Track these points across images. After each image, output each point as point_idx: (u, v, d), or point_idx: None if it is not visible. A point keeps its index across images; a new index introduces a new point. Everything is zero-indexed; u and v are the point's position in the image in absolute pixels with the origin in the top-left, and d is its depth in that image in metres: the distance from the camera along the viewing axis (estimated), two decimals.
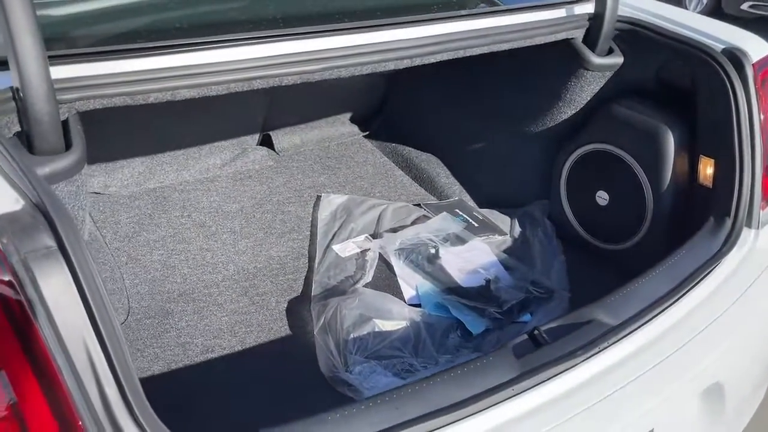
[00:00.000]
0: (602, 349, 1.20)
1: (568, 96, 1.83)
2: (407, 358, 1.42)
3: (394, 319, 1.50)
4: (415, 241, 1.82)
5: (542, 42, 1.64)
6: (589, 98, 1.83)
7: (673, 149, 1.67)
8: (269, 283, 1.74)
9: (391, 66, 1.46)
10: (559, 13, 1.73)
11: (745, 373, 1.44)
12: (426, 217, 2.03)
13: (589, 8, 1.75)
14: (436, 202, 2.15)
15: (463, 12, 1.55)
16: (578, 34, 1.74)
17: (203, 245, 1.82)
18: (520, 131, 2.00)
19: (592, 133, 1.85)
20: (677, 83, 1.69)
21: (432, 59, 1.52)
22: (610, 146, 1.81)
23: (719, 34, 1.65)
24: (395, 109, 2.47)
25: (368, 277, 1.70)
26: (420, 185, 2.25)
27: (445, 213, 2.00)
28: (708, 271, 1.43)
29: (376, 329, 1.46)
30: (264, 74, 1.31)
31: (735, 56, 1.57)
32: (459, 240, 1.89)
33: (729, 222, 1.54)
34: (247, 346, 1.53)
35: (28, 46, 0.98)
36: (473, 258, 1.82)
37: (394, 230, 1.93)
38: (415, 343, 1.47)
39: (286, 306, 1.66)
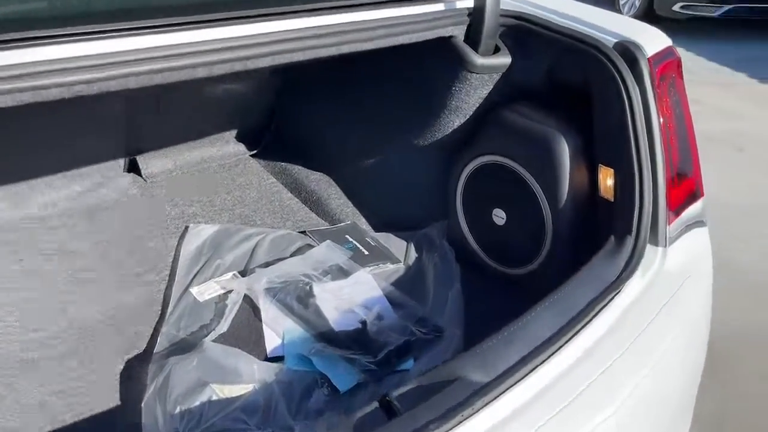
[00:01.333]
0: (466, 418, 0.96)
1: (454, 103, 1.61)
2: (252, 430, 1.16)
3: (241, 381, 1.24)
4: (288, 278, 1.57)
5: (410, 41, 1.41)
6: (477, 105, 1.61)
7: (569, 159, 1.46)
8: (110, 339, 1.46)
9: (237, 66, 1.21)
10: (436, 7, 1.51)
11: (653, 422, 1.23)
12: (310, 247, 1.78)
13: (468, 2, 1.53)
14: (324, 227, 1.90)
15: (311, 6, 1.31)
16: (458, 32, 1.52)
17: (30, 296, 1.53)
18: (413, 144, 1.77)
19: (483, 143, 1.63)
20: (570, 84, 1.48)
21: (281, 60, 1.28)
22: (502, 158, 1.59)
23: (614, 27, 1.46)
24: (285, 123, 2.22)
25: (224, 327, 1.44)
26: (310, 209, 2.00)
27: (329, 242, 1.75)
28: (605, 302, 1.21)
29: (214, 397, 1.19)
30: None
31: (627, 50, 1.37)
32: (342, 272, 1.65)
33: (630, 241, 1.33)
34: (60, 425, 1.24)
35: None
36: (354, 294, 1.57)
37: (268, 264, 1.67)
38: (265, 409, 1.21)
39: (122, 368, 1.38)
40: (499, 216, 1.64)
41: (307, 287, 1.55)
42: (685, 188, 1.49)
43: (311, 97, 2.08)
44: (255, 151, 2.22)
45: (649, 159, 1.34)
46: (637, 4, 6.46)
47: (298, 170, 2.08)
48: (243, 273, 1.65)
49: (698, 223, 1.50)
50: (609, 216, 1.44)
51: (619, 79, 1.35)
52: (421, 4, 1.50)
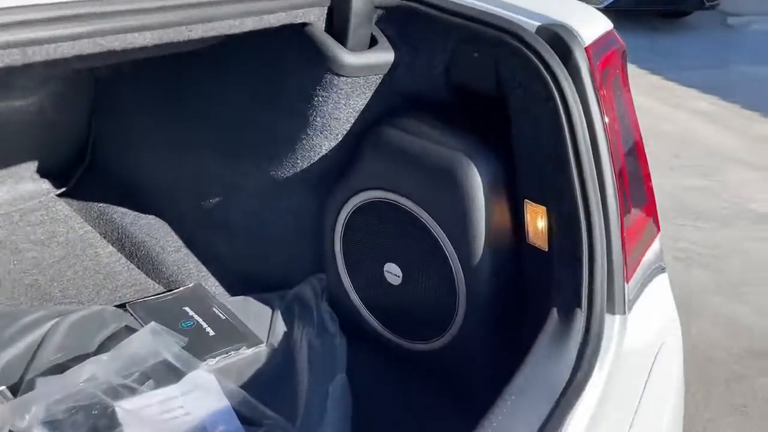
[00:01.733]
0: None
1: (319, 120, 1.14)
2: None
3: None
4: (79, 398, 1.03)
5: (236, 29, 0.92)
6: (350, 120, 1.15)
7: (482, 193, 1.03)
8: None
9: None
10: None
11: None
12: (130, 331, 1.25)
13: None
14: (154, 297, 1.37)
15: None
16: (314, 17, 1.04)
17: None
18: (273, 176, 1.27)
19: (364, 174, 1.17)
20: (478, 88, 1.05)
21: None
22: (389, 194, 1.13)
23: (535, 6, 1.04)
24: (104, 150, 1.65)
25: None
26: (138, 267, 1.45)
27: (154, 324, 1.22)
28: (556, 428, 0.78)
29: None
30: None
31: (557, 37, 0.95)
32: (170, 373, 1.13)
33: (581, 315, 0.91)
34: None
35: None
36: (187, 409, 1.06)
37: (57, 370, 1.12)
38: None
39: None
40: (393, 273, 1.18)
41: (108, 411, 1.02)
42: (640, 224, 1.10)
43: (137, 115, 1.53)
44: (62, 190, 1.63)
45: (597, 191, 0.93)
46: None
47: (122, 214, 1.53)
48: (16, 387, 1.10)
49: (658, 268, 1.12)
50: (543, 270, 1.02)
51: (549, 77, 0.92)
52: None
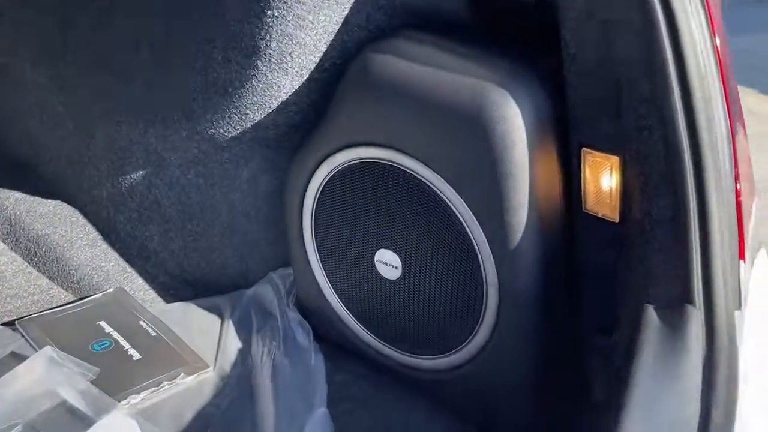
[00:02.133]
0: None
1: (275, 45, 0.78)
2: None
3: None
4: None
5: None
6: (323, 45, 0.80)
7: (525, 141, 0.70)
8: None
9: None
10: None
11: None
12: (18, 359, 0.88)
13: None
14: (54, 309, 1.00)
15: None
16: None
17: None
18: (216, 136, 0.90)
19: (346, 125, 0.82)
20: None
21: None
22: (384, 152, 0.79)
23: None
24: None
25: None
26: (38, 270, 1.08)
27: (49, 350, 0.86)
28: None
29: None
30: None
31: None
32: (73, 422, 0.77)
33: (695, 316, 0.60)
34: None
35: None
36: None
37: None
38: None
39: None
40: (388, 263, 0.85)
41: None
42: (745, 185, 0.79)
43: (21, 68, 1.13)
44: None
45: (713, 131, 0.61)
46: None
47: (15, 201, 1.14)
48: None
49: (756, 243, 0.81)
50: (609, 250, 0.71)
51: None
52: None
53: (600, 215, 0.72)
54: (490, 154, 0.70)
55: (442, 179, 0.75)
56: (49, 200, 1.13)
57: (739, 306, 0.63)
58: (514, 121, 0.69)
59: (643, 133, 0.63)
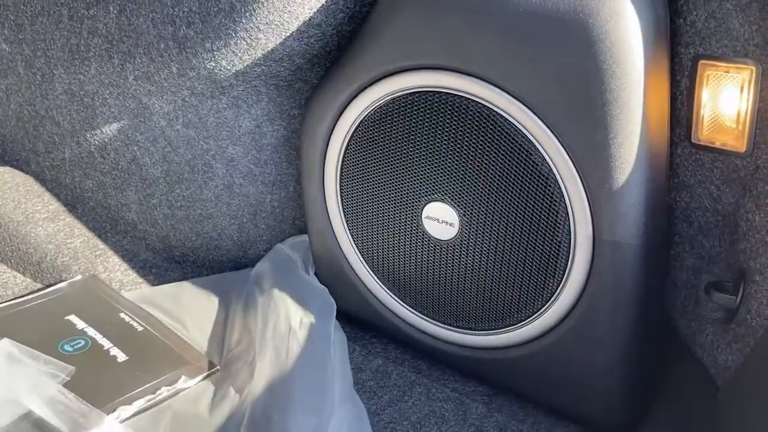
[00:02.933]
0: None
1: None
2: None
3: None
4: None
5: None
6: None
7: (642, 55, 0.55)
8: None
9: None
10: None
11: None
12: None
13: None
14: (15, 300, 0.80)
15: None
16: None
17: None
18: (213, 71, 0.72)
19: (390, 47, 0.65)
20: None
21: None
22: (446, 77, 0.63)
23: None
24: None
25: None
26: None
27: (7, 343, 0.67)
28: None
29: None
30: None
31: None
32: None
33: None
34: None
35: None
36: None
37: None
38: None
39: None
40: (441, 220, 0.69)
41: None
42: None
43: None
44: None
45: None
46: None
47: None
48: None
49: None
50: (730, 191, 0.57)
51: None
52: None
53: (719, 145, 0.59)
54: (597, 72, 0.54)
55: (524, 106, 0.59)
56: (13, 169, 0.92)
57: None
58: (629, 28, 0.54)
59: None
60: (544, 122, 0.58)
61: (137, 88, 0.76)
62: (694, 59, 0.57)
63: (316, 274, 0.83)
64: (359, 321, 0.81)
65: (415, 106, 0.65)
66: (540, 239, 0.63)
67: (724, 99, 0.57)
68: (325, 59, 0.73)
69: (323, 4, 0.66)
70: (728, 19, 0.54)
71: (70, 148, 0.85)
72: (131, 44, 0.73)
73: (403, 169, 0.69)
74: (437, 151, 0.65)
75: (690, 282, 0.65)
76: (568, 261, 0.62)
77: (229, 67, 0.70)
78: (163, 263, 0.88)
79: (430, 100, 0.64)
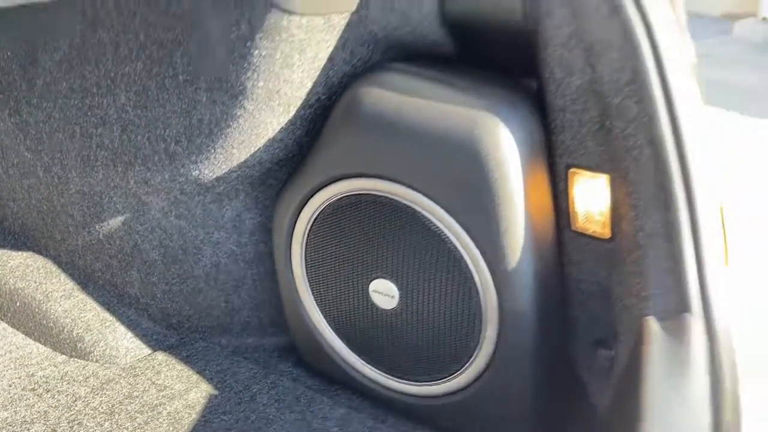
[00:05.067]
0: None
1: (262, 84, 0.79)
2: None
3: None
4: None
5: None
6: (309, 82, 0.81)
7: (519, 166, 0.73)
8: None
9: None
10: None
11: None
12: None
13: None
14: None
15: None
16: None
17: None
18: (200, 176, 0.89)
19: (336, 158, 0.83)
20: (489, 15, 0.75)
21: None
22: (377, 183, 0.80)
23: None
24: None
25: None
26: (13, 326, 1.03)
27: None
28: None
29: None
30: None
31: None
32: None
33: (694, 326, 0.63)
34: None
35: None
36: None
37: None
38: None
39: None
40: (385, 293, 0.85)
41: None
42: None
43: None
44: None
45: (695, 149, 0.65)
46: None
47: None
48: None
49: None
50: (604, 266, 0.74)
51: None
52: None
53: (590, 233, 0.75)
54: (485, 179, 0.72)
55: (438, 206, 0.76)
56: (20, 252, 1.09)
57: (731, 310, 0.66)
58: (506, 146, 0.71)
59: (632, 153, 0.66)
60: (452, 217, 0.75)
61: (137, 190, 0.93)
62: (566, 167, 0.74)
63: (290, 335, 0.99)
64: (326, 375, 0.96)
65: (358, 204, 0.82)
66: (459, 309, 0.79)
67: (589, 198, 0.74)
68: (291, 162, 0.90)
69: (284, 126, 0.83)
70: (585, 141, 0.71)
71: (82, 237, 1.02)
72: (131, 156, 0.90)
73: (352, 252, 0.85)
74: (377, 238, 0.82)
75: (584, 339, 0.80)
76: (481, 326, 0.78)
77: (211, 174, 0.88)
78: (162, 330, 1.04)
79: (368, 200, 0.81)
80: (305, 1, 0.72)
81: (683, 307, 0.63)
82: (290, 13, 0.72)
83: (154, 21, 0.82)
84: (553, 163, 0.75)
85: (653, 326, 0.64)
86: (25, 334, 1.01)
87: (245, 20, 0.74)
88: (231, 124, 0.82)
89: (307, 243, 0.89)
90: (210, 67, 0.80)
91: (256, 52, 0.75)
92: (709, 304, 0.63)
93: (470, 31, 0.78)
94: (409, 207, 0.78)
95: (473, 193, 0.73)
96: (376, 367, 0.91)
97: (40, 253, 1.08)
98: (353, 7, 0.77)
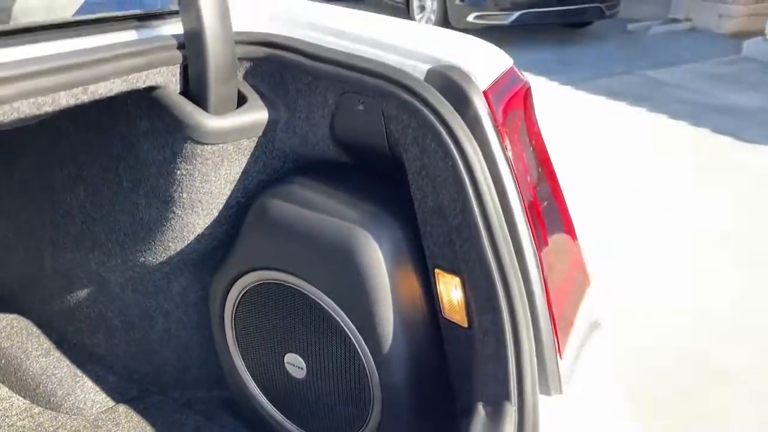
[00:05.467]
0: None
1: (186, 195, 0.95)
2: None
3: None
4: None
5: (48, 109, 0.74)
6: (227, 191, 0.97)
7: (385, 268, 0.87)
8: None
9: None
10: (124, 36, 0.85)
11: None
12: None
13: (177, 27, 0.89)
14: None
15: None
16: (165, 78, 0.87)
17: None
18: (147, 260, 1.06)
19: (251, 252, 0.99)
20: (368, 143, 0.90)
21: None
22: (281, 275, 0.97)
23: (425, 47, 0.89)
24: None
25: None
26: (1, 381, 1.22)
27: None
28: None
29: None
30: None
31: (451, 83, 0.82)
32: None
33: (510, 411, 0.77)
34: None
35: None
36: None
37: None
38: None
39: None
40: (296, 365, 1.01)
41: None
42: (569, 281, 0.97)
43: None
44: None
45: (514, 257, 0.79)
46: (433, 18, 6.31)
47: None
48: None
49: (593, 326, 0.99)
50: (466, 350, 0.88)
51: (444, 132, 0.79)
52: (99, 32, 0.83)
53: (455, 320, 0.90)
54: (359, 280, 0.87)
55: (328, 297, 0.92)
56: (6, 314, 1.27)
57: (550, 393, 0.80)
58: (374, 254, 0.86)
59: (468, 264, 0.81)
60: (342, 309, 0.91)
61: (98, 269, 1.11)
62: (433, 268, 0.88)
63: (229, 390, 1.15)
64: (259, 427, 1.12)
65: (271, 290, 0.98)
66: (353, 381, 0.94)
67: (450, 293, 0.88)
68: (222, 248, 1.06)
69: (210, 224, 1.00)
70: (443, 249, 0.85)
71: (57, 304, 1.20)
72: (91, 243, 1.08)
73: (270, 328, 1.01)
74: (288, 319, 0.98)
75: (470, 403, 0.94)
76: (371, 396, 0.93)
77: (154, 260, 1.04)
78: (125, 384, 1.21)
79: (279, 288, 0.97)
80: (215, 134, 0.88)
81: (505, 396, 0.77)
82: (202, 143, 0.88)
83: (103, 140, 0.99)
84: (425, 263, 0.89)
85: (480, 410, 0.78)
86: (9, 388, 1.19)
87: (169, 146, 0.91)
88: (165, 223, 0.98)
89: (235, 317, 1.05)
90: (146, 178, 0.96)
91: (179, 171, 0.92)
92: (524, 398, 0.76)
93: (357, 151, 0.93)
94: (309, 297, 0.94)
95: (352, 290, 0.88)
96: (296, 424, 1.06)
97: (23, 315, 1.26)
98: (260, 133, 0.93)
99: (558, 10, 5.97)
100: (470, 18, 6.01)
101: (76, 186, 1.07)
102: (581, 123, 4.31)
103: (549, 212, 0.93)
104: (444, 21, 6.13)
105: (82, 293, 1.17)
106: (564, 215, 0.98)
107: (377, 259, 0.86)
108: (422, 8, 6.40)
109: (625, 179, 3.33)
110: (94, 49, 0.78)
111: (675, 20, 6.49)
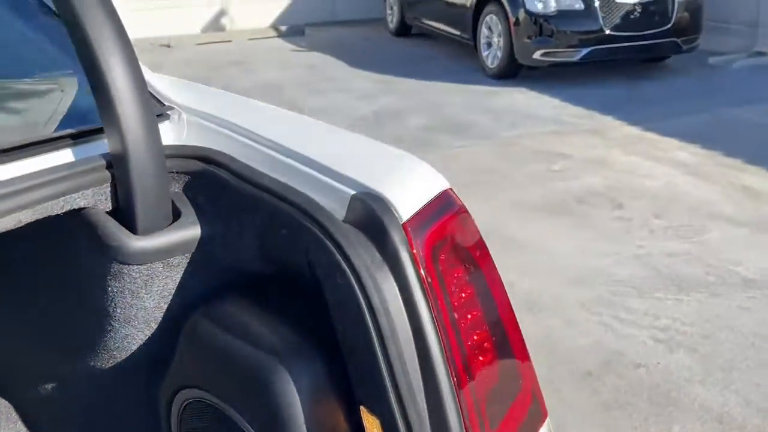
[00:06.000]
0: None
1: (120, 310, 0.94)
2: None
3: None
4: None
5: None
6: (163, 306, 0.95)
7: (302, 403, 0.82)
8: None
9: None
10: (51, 159, 0.85)
11: None
12: None
13: (101, 146, 0.89)
14: None
15: None
16: (89, 200, 0.87)
17: None
18: (95, 365, 1.06)
19: (184, 369, 0.97)
20: (294, 266, 0.86)
21: None
22: (211, 396, 0.93)
23: (356, 168, 0.83)
24: None
25: None
26: None
27: None
28: None
29: None
30: None
31: (371, 215, 0.77)
32: None
33: None
34: None
35: None
36: None
37: None
38: None
39: None
40: None
41: None
42: (515, 416, 0.88)
43: None
44: None
45: (423, 402, 0.72)
46: (500, 54, 6.20)
47: None
48: None
49: None
50: None
51: (349, 272, 0.73)
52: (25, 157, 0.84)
53: None
54: (274, 412, 0.82)
55: (249, 425, 0.87)
56: None
57: None
58: (289, 389, 0.81)
59: (381, 406, 0.75)
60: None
61: (58, 369, 1.13)
62: (358, 404, 0.82)
63: None
64: None
65: (201, 407, 0.95)
66: None
67: (372, 429, 0.81)
68: (164, 359, 1.04)
69: (148, 337, 0.98)
70: (362, 386, 0.79)
71: (31, 393, 1.22)
72: (47, 347, 1.10)
73: None
74: None
75: None
76: None
77: (104, 366, 1.04)
78: None
79: (208, 407, 0.94)
80: (140, 255, 0.86)
81: None
82: (125, 263, 0.87)
83: (42, 259, 1.02)
84: (347, 398, 0.83)
85: None
86: None
87: (99, 265, 0.90)
88: (105, 335, 0.98)
89: (180, 427, 1.03)
90: (85, 295, 0.97)
91: (110, 288, 0.91)
92: None
93: (288, 271, 0.88)
94: (232, 420, 0.90)
95: (270, 422, 0.83)
96: None
97: (6, 398, 1.30)
98: (192, 249, 0.91)
99: (629, 46, 5.70)
100: (537, 55, 5.84)
101: (29, 309, 1.11)
102: (643, 171, 4.06)
103: (500, 348, 0.84)
104: (510, 58, 6.00)
105: (45, 388, 1.19)
106: (514, 343, 0.89)
107: (292, 394, 0.81)
108: (489, 45, 6.30)
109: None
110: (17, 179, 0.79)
111: (761, 53, 6.06)
